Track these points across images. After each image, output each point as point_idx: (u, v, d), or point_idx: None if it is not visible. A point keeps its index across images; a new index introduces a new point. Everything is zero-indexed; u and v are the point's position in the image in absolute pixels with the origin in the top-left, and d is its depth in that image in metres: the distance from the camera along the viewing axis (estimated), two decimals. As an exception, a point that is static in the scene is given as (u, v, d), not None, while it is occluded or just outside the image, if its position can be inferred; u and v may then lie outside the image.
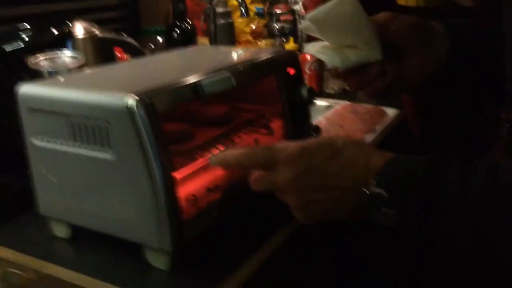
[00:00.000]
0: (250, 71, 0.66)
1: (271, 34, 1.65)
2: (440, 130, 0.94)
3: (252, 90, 0.78)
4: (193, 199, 0.66)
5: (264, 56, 0.73)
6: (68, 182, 0.62)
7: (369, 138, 1.01)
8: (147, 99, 0.53)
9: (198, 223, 0.61)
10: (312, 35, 0.68)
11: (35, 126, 0.62)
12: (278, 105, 0.77)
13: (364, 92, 0.71)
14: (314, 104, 0.82)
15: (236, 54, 0.76)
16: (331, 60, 0.65)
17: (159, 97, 0.55)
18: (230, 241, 0.65)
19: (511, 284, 0.50)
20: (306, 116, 0.82)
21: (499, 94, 0.63)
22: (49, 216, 0.67)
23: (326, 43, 0.67)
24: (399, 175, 0.51)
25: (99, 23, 1.17)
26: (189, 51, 0.87)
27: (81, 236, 0.66)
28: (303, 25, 0.68)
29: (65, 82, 0.64)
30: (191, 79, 0.60)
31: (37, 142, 0.63)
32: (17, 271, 0.63)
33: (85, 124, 0.57)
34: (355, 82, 0.70)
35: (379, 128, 1.07)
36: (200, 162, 0.67)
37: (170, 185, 0.56)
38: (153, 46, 1.37)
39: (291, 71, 0.79)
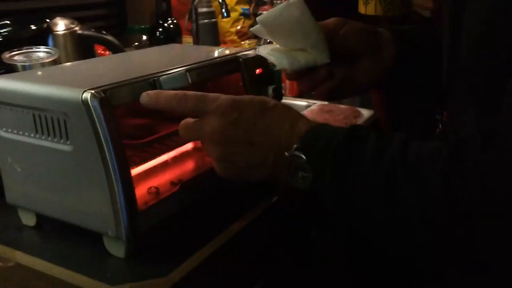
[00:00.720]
0: (208, 69, 0.69)
1: (256, 35, 1.68)
2: (408, 130, 0.97)
3: (218, 87, 0.81)
4: (155, 191, 0.69)
5: (228, 55, 0.76)
6: (32, 172, 0.65)
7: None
8: (102, 93, 0.56)
9: (154, 214, 0.64)
10: (263, 37, 0.71)
11: (1, 118, 0.65)
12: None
13: (314, 93, 0.73)
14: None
15: (201, 53, 0.79)
16: (280, 62, 0.68)
17: (115, 92, 0.58)
18: (186, 231, 0.67)
19: (413, 251, 0.51)
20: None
21: (436, 96, 0.66)
22: (15, 205, 0.69)
23: (277, 45, 0.70)
24: (319, 141, 0.53)
25: (86, 20, 1.20)
26: (160, 49, 0.90)
27: (47, 224, 0.69)
28: (254, 28, 0.71)
29: (30, 77, 0.67)
30: (150, 75, 0.62)
31: (2, 133, 0.65)
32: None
33: (46, 117, 0.60)
34: (304, 84, 0.73)
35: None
36: (164, 157, 0.70)
37: (125, 177, 0.58)
38: (137, 44, 1.39)
39: (258, 70, 0.82)
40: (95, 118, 0.56)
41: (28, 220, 0.70)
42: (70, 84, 0.60)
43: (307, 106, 1.29)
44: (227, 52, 0.77)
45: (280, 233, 0.81)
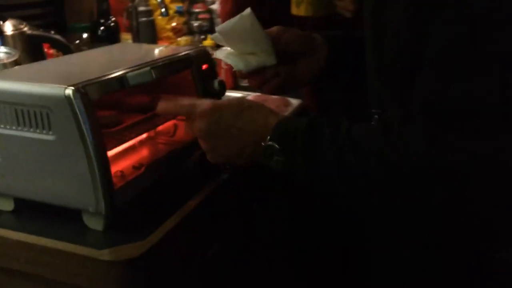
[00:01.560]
0: (168, 66, 0.80)
1: (190, 32, 1.79)
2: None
3: (172, 82, 0.92)
4: (121, 174, 0.80)
5: (181, 53, 0.87)
6: (13, 161, 0.73)
7: (274, 123, 1.18)
8: (82, 89, 0.66)
9: (126, 192, 0.74)
10: (221, 44, 0.84)
11: (-19, 113, 0.72)
12: (194, 95, 0.92)
13: (263, 89, 0.88)
14: (224, 95, 0.97)
15: (157, 51, 0.90)
16: (236, 64, 0.82)
17: (92, 88, 0.68)
18: (151, 207, 0.78)
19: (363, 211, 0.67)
20: (218, 104, 0.97)
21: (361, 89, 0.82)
22: (-6, 192, 0.77)
23: (232, 50, 0.83)
24: (288, 130, 0.67)
25: (25, 19, 1.25)
26: (114, 48, 0.99)
27: (23, 209, 0.77)
28: (213, 35, 0.83)
29: (8, 75, 0.75)
30: (118, 72, 0.73)
31: (-18, 127, 0.73)
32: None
33: (28, 111, 0.68)
34: (256, 82, 0.87)
35: (286, 113, 1.24)
36: (128, 144, 0.80)
37: (104, 161, 0.69)
38: (78, 41, 1.45)
39: (204, 66, 0.94)
40: (77, 111, 0.65)
41: (6, 205, 0.78)
42: (51, 81, 0.69)
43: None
44: (181, 50, 0.89)
45: (228, 206, 0.94)
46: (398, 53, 0.67)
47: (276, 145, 0.67)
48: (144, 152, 0.90)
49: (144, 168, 0.79)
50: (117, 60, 0.86)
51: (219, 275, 0.88)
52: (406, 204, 0.64)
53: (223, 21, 1.03)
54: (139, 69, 0.74)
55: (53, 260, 0.70)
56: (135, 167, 0.83)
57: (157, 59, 0.80)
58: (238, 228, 0.97)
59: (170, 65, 0.81)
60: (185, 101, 0.76)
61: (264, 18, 0.85)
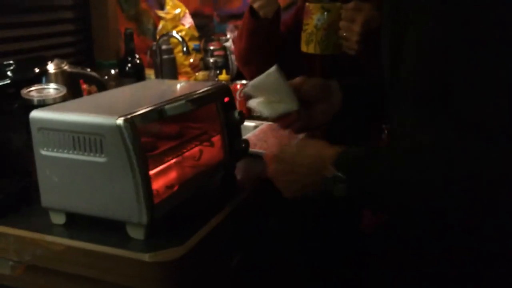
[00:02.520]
0: (199, 99, 0.94)
1: (206, 67, 1.94)
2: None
3: (198, 113, 1.06)
4: (156, 193, 0.92)
5: (208, 88, 1.01)
6: (68, 180, 0.86)
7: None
8: (130, 119, 0.79)
9: (162, 207, 0.87)
10: (253, 95, 1.00)
11: (42, 140, 0.86)
12: (217, 124, 1.05)
13: (289, 130, 1.05)
14: (243, 124, 1.11)
15: (187, 87, 1.04)
16: (265, 112, 0.99)
17: (137, 118, 0.81)
18: (183, 220, 0.91)
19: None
20: (238, 132, 1.10)
21: (381, 114, 0.96)
22: (49, 207, 0.90)
23: (261, 99, 0.99)
24: (349, 161, 0.80)
25: (59, 57, 1.40)
26: (148, 84, 1.14)
27: (74, 223, 0.90)
28: (246, 89, 1.01)
29: (66, 108, 0.88)
30: (158, 105, 0.87)
31: (43, 151, 0.86)
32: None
33: (84, 137, 0.82)
34: (283, 124, 1.04)
35: (293, 143, 1.37)
36: (160, 167, 0.93)
37: (146, 179, 0.81)
38: (106, 77, 1.61)
39: (226, 99, 1.08)
40: (126, 137, 0.79)
41: (58, 219, 0.90)
42: (103, 113, 0.82)
43: (255, 126, 1.56)
44: (206, 86, 1.03)
45: (247, 221, 1.06)
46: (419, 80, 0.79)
47: (341, 174, 0.78)
48: (174, 174, 1.03)
49: (177, 187, 0.92)
50: (158, 95, 0.99)
51: (243, 281, 1.00)
52: (466, 211, 0.73)
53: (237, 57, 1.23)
54: (176, 102, 0.88)
55: (107, 264, 0.82)
56: (167, 187, 0.96)
57: (190, 93, 0.94)
58: (257, 241, 1.09)
59: (201, 98, 0.95)
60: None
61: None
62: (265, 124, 1.53)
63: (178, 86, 1.08)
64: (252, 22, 1.32)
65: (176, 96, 0.92)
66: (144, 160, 0.81)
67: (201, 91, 0.98)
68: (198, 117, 1.06)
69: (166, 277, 0.79)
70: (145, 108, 0.85)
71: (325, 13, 1.18)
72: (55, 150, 0.85)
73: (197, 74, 1.82)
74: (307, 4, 1.22)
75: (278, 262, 1.14)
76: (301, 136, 1.48)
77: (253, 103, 1.01)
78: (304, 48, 1.23)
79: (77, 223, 0.90)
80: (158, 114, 0.86)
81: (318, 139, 1.31)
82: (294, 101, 0.98)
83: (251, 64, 1.42)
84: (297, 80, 1.02)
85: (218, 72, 1.86)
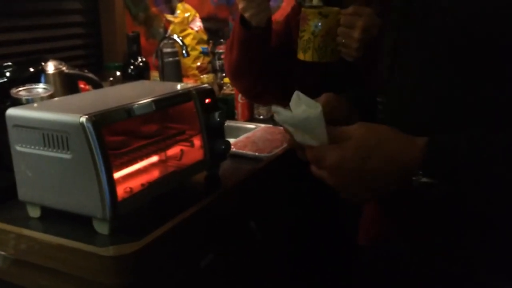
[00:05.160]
0: (167, 100, 0.96)
1: (214, 70, 1.97)
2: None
3: (178, 114, 1.08)
4: (130, 190, 0.95)
5: (183, 89, 1.03)
6: (40, 175, 0.90)
7: (274, 151, 1.31)
8: (93, 117, 0.82)
9: (129, 203, 0.89)
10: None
11: (17, 137, 0.90)
12: (197, 125, 1.07)
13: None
14: (225, 124, 1.12)
15: (163, 88, 1.06)
16: (295, 135, 0.76)
17: (102, 116, 0.84)
18: (153, 216, 0.93)
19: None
20: (220, 133, 1.12)
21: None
22: (25, 201, 0.94)
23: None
24: (442, 165, 0.66)
25: (70, 60, 1.46)
26: (132, 85, 1.17)
27: (47, 216, 0.94)
28: (280, 120, 0.76)
29: (39, 107, 0.93)
30: (126, 104, 0.89)
31: (18, 147, 0.90)
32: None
33: (52, 135, 0.85)
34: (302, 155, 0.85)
35: (285, 144, 1.37)
36: (141, 166, 0.96)
37: (109, 176, 0.84)
38: (112, 79, 1.66)
39: (208, 100, 1.09)
40: (89, 135, 0.82)
41: (34, 212, 0.95)
42: (70, 111, 0.86)
43: (254, 128, 1.57)
44: (183, 86, 1.05)
45: (222, 220, 1.07)
46: None
47: (433, 181, 0.67)
48: (154, 174, 1.05)
49: (147, 185, 0.95)
50: (130, 95, 1.03)
51: (211, 284, 1.01)
52: None
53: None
54: (142, 102, 0.91)
55: (68, 257, 0.85)
56: (142, 185, 0.99)
57: (159, 94, 0.97)
58: (233, 242, 1.10)
59: (170, 99, 0.97)
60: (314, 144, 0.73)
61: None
62: (261, 127, 1.54)
63: (160, 87, 1.11)
64: (243, 33, 1.24)
65: (148, 96, 0.95)
66: (107, 157, 0.84)
67: (172, 92, 1.00)
68: (178, 118, 1.08)
69: (122, 270, 0.81)
70: (111, 107, 0.88)
71: (323, 19, 1.12)
72: (28, 146, 0.89)
73: (202, 77, 1.85)
74: (303, 9, 1.16)
75: (257, 267, 1.15)
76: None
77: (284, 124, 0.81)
78: (301, 56, 1.17)
79: (54, 217, 0.93)
80: (126, 113, 0.89)
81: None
82: (326, 138, 0.77)
83: (243, 77, 1.35)
84: (323, 98, 0.89)
85: (223, 75, 1.88)
